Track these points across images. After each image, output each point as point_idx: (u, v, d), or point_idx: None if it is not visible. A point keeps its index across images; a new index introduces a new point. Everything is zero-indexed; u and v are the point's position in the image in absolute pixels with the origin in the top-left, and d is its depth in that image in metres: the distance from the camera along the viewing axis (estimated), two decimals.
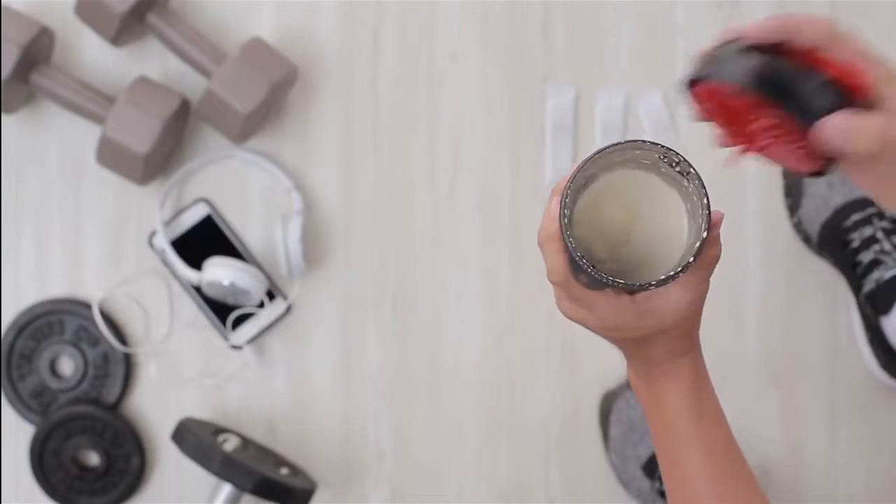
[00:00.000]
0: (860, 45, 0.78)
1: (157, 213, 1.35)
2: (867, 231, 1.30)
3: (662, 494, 1.31)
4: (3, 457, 1.38)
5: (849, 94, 0.77)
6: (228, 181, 1.38)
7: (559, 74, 1.39)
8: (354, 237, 1.38)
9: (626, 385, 1.35)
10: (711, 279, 0.83)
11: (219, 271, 1.31)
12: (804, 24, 0.78)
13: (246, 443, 1.34)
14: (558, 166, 1.38)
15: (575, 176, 0.78)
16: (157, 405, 1.38)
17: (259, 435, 1.38)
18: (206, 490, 1.37)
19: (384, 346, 1.38)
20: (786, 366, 1.38)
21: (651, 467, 1.32)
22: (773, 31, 0.78)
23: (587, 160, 0.78)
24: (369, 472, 1.38)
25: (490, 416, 1.38)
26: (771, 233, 1.37)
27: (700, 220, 0.78)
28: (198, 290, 1.37)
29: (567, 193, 0.78)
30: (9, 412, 1.38)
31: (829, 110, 0.76)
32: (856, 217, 1.30)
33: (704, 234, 0.77)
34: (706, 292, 0.83)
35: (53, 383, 1.37)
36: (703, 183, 0.78)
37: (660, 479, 1.30)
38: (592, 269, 0.76)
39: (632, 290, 0.81)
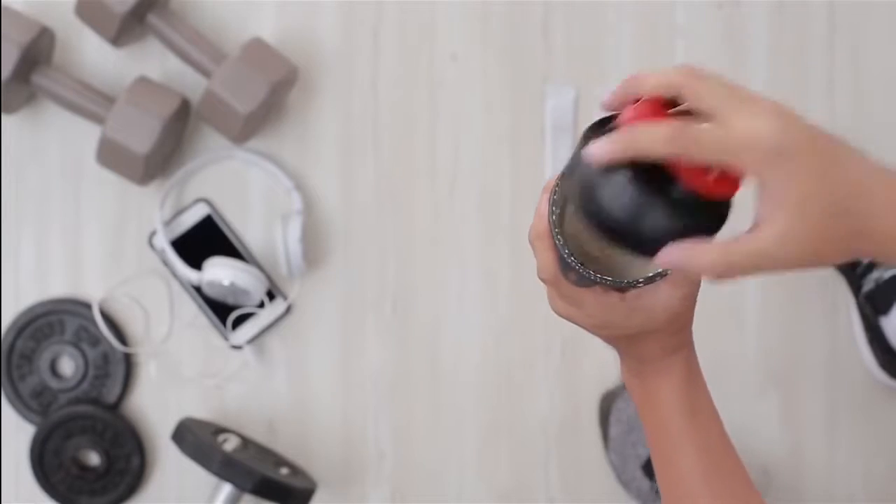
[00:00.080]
0: (719, 93, 0.72)
1: (158, 213, 1.35)
2: None
3: None
4: (4, 457, 1.38)
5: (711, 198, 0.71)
6: (228, 181, 1.38)
7: (559, 74, 1.39)
8: (354, 237, 1.38)
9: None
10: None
11: (219, 271, 1.31)
12: (651, 79, 0.72)
13: (246, 443, 1.34)
14: (558, 166, 1.38)
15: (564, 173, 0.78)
16: (157, 405, 1.38)
17: (259, 435, 1.38)
18: (207, 490, 1.37)
19: (384, 346, 1.38)
20: (786, 366, 1.38)
21: (651, 467, 1.32)
22: (625, 97, 0.73)
23: None
24: (369, 472, 1.38)
25: (490, 416, 1.38)
26: None
27: None
28: (198, 290, 1.37)
29: (556, 191, 0.78)
30: (9, 412, 1.38)
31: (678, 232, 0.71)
32: None
33: None
34: (697, 289, 0.83)
35: (54, 383, 1.37)
36: None
37: None
38: (580, 267, 0.76)
39: (620, 288, 0.81)
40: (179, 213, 1.37)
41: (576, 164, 0.73)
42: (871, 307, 1.31)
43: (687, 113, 0.73)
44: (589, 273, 0.76)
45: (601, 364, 1.37)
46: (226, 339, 1.37)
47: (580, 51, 1.39)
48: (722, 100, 0.70)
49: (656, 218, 0.70)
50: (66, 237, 1.38)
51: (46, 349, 1.37)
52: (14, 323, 1.37)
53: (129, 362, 1.38)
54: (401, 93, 1.39)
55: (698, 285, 0.83)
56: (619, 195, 0.70)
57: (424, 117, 1.39)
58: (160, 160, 1.33)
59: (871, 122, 1.39)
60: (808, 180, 0.70)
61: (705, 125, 0.69)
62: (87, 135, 1.38)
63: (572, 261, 0.76)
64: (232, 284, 1.31)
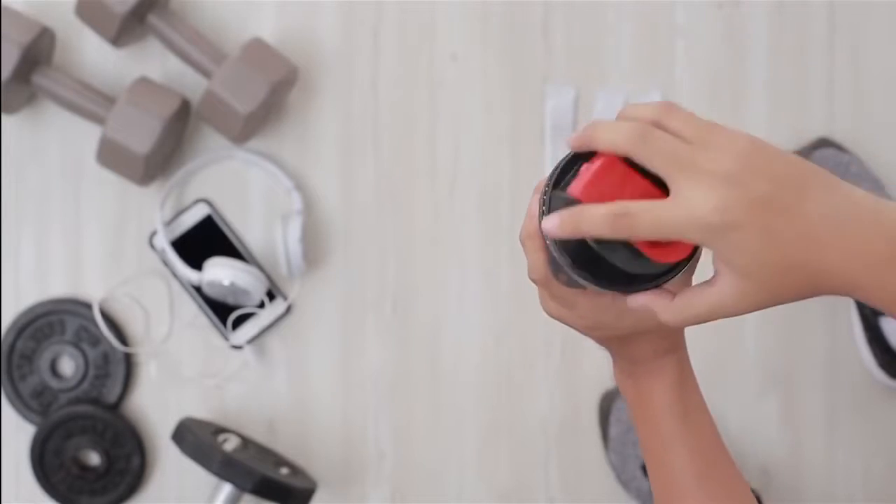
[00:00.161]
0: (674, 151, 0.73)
1: (158, 213, 1.35)
2: None
3: None
4: (4, 457, 1.38)
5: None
6: (229, 181, 1.38)
7: (559, 74, 1.39)
8: (354, 237, 1.38)
9: None
10: None
11: (219, 271, 1.31)
12: (604, 137, 0.74)
13: (246, 443, 1.34)
14: None
15: (555, 173, 0.78)
16: (157, 405, 1.38)
17: (259, 435, 1.38)
18: (207, 490, 1.37)
19: (384, 346, 1.38)
20: (785, 366, 1.38)
21: None
22: (584, 147, 0.75)
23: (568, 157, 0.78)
24: (369, 472, 1.38)
25: (490, 416, 1.38)
26: None
27: None
28: (198, 290, 1.37)
29: (546, 191, 0.78)
30: (9, 412, 1.38)
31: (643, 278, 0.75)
32: None
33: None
34: None
35: (54, 383, 1.38)
36: None
37: None
38: (569, 268, 0.76)
39: (608, 291, 0.81)
40: (180, 213, 1.37)
41: (557, 180, 0.76)
42: (871, 307, 1.31)
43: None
44: (577, 274, 0.76)
45: (601, 364, 1.37)
46: (226, 339, 1.37)
47: (580, 51, 1.39)
48: (668, 165, 0.72)
49: (616, 272, 0.75)
50: (66, 237, 1.38)
51: (47, 349, 1.37)
52: (14, 323, 1.37)
53: (129, 362, 1.38)
54: (401, 93, 1.39)
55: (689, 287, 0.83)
56: (582, 250, 0.75)
57: (424, 117, 1.39)
58: (160, 160, 1.33)
59: (871, 122, 1.39)
60: (754, 246, 0.71)
61: (644, 204, 0.72)
62: (87, 135, 1.38)
63: (562, 261, 0.76)
64: (232, 284, 1.31)
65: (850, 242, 0.72)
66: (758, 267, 0.72)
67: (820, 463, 1.38)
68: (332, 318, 1.38)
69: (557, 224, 0.74)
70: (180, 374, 1.38)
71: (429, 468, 1.38)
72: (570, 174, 0.76)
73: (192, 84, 1.37)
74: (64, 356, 1.38)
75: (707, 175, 0.71)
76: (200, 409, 1.38)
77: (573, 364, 1.38)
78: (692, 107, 1.39)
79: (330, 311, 1.38)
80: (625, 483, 1.35)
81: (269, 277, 1.37)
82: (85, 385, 1.38)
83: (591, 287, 0.77)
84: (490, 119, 1.38)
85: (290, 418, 1.38)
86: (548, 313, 0.85)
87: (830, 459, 1.38)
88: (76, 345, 1.37)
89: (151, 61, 1.38)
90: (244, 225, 1.38)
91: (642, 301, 0.76)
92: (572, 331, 1.38)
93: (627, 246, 0.74)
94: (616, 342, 0.85)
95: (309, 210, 1.38)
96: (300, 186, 1.38)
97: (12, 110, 1.34)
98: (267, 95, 1.28)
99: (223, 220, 1.38)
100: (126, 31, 1.31)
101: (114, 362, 1.37)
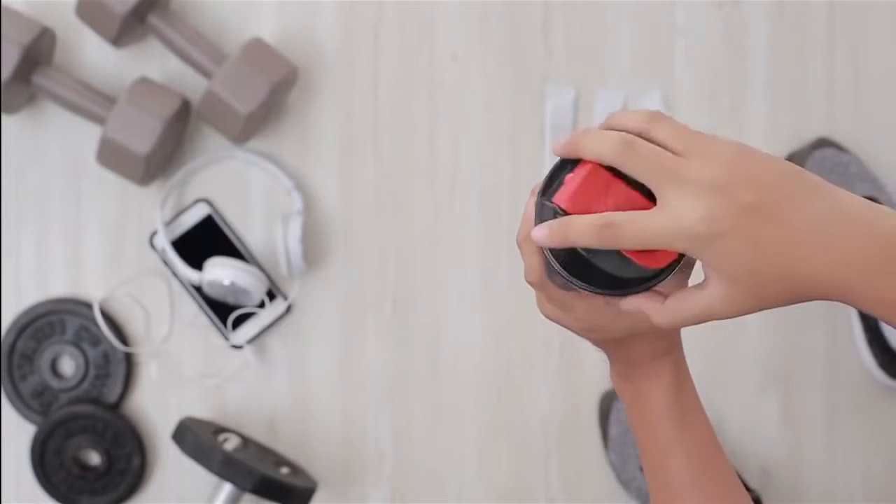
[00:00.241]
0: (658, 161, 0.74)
1: (158, 213, 1.35)
2: None
3: None
4: (4, 456, 1.38)
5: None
6: (229, 181, 1.38)
7: (559, 74, 1.39)
8: (354, 237, 1.38)
9: None
10: None
11: (219, 271, 1.31)
12: (589, 145, 0.75)
13: (246, 442, 1.34)
14: None
15: (546, 179, 0.78)
16: (157, 405, 1.38)
17: (259, 435, 1.38)
18: (207, 490, 1.38)
19: (384, 346, 1.38)
20: (785, 366, 1.38)
21: None
22: (570, 154, 0.76)
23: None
24: (369, 472, 1.38)
25: (490, 416, 1.38)
26: None
27: None
28: (198, 289, 1.37)
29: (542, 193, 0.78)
30: (10, 412, 1.38)
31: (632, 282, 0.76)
32: None
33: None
34: None
35: (54, 383, 1.38)
36: None
37: None
38: (563, 272, 0.76)
39: (602, 295, 0.82)
40: (180, 213, 1.37)
41: (546, 186, 0.77)
42: None
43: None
44: (571, 278, 0.77)
45: (601, 364, 1.37)
46: (226, 338, 1.37)
47: (580, 51, 1.39)
48: (654, 175, 0.72)
49: (607, 276, 0.75)
50: (66, 237, 1.38)
51: (47, 349, 1.37)
52: (15, 323, 1.37)
53: (129, 362, 1.38)
54: (401, 93, 1.39)
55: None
56: (573, 256, 0.75)
57: (424, 117, 1.39)
58: (160, 160, 1.33)
59: (871, 122, 1.39)
60: (741, 255, 0.71)
61: (629, 215, 0.72)
62: (87, 135, 1.38)
63: (555, 264, 0.77)
64: (232, 284, 1.31)
65: (840, 250, 0.72)
66: (745, 274, 0.72)
67: (820, 463, 1.38)
68: (332, 317, 1.38)
69: (546, 234, 0.74)
70: (180, 374, 1.38)
71: (429, 468, 1.38)
72: (557, 182, 0.76)
73: (193, 84, 1.37)
74: (64, 356, 1.38)
75: (693, 184, 0.71)
76: (201, 409, 1.38)
77: (573, 364, 1.38)
78: (692, 107, 1.39)
79: (330, 311, 1.38)
80: (625, 483, 1.35)
81: (269, 277, 1.37)
82: (85, 385, 1.38)
83: (585, 290, 0.77)
84: (490, 119, 1.39)
85: (290, 418, 1.38)
86: (545, 315, 0.85)
87: (830, 459, 1.38)
88: (76, 345, 1.37)
89: (151, 61, 1.38)
90: (244, 225, 1.38)
91: (635, 304, 0.77)
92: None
93: (617, 251, 0.74)
94: (613, 344, 0.85)
95: (309, 210, 1.38)
96: (300, 186, 1.38)
97: (12, 110, 1.34)
98: (267, 95, 1.29)
99: (223, 219, 1.38)
100: (126, 31, 1.31)
101: (114, 362, 1.37)
